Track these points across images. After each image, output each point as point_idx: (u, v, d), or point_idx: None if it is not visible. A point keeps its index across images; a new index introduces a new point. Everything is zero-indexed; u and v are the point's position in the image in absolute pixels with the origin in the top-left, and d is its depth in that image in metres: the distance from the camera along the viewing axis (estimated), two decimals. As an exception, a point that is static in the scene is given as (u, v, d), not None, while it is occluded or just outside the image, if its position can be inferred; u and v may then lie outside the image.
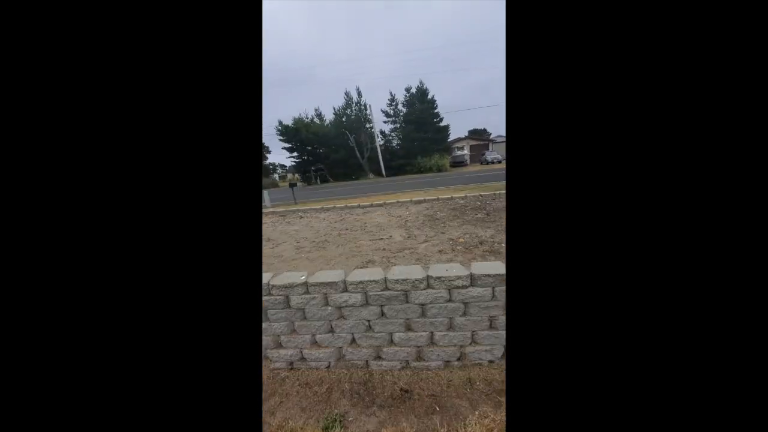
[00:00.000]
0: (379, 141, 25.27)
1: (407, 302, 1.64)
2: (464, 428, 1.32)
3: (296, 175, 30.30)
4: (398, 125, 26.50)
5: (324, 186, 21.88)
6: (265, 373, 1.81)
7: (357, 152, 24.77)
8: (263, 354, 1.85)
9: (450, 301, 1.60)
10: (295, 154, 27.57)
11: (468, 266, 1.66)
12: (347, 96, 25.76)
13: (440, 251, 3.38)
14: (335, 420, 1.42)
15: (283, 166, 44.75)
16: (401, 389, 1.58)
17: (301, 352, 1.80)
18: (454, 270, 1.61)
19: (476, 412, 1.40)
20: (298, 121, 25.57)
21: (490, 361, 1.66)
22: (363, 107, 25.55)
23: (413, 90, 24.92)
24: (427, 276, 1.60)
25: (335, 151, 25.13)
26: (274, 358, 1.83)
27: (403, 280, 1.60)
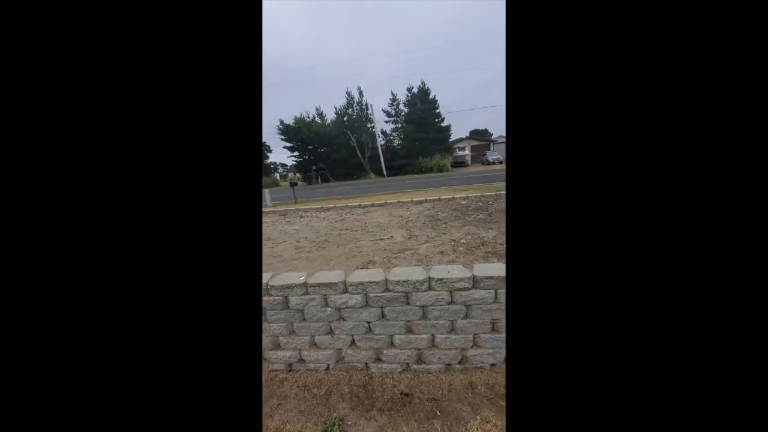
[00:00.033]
0: (381, 141, 25.27)
1: (408, 304, 1.61)
2: (466, 434, 1.29)
3: (297, 175, 30.34)
4: (400, 125, 26.49)
5: (325, 185, 21.91)
6: (264, 375, 1.78)
7: (358, 152, 24.77)
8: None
9: (452, 303, 1.58)
10: (296, 153, 27.60)
11: (470, 268, 1.63)
12: (348, 95, 25.83)
13: (442, 252, 3.35)
14: (334, 424, 1.40)
15: (284, 165, 44.82)
16: (401, 393, 1.56)
17: (300, 353, 1.78)
18: (456, 272, 1.59)
19: (478, 417, 1.37)
20: (299, 121, 25.60)
21: (492, 365, 1.63)
22: (364, 107, 25.57)
23: (415, 90, 24.92)
24: (429, 277, 1.57)
25: (336, 151, 25.14)
26: (273, 359, 1.81)
27: (404, 281, 1.57)
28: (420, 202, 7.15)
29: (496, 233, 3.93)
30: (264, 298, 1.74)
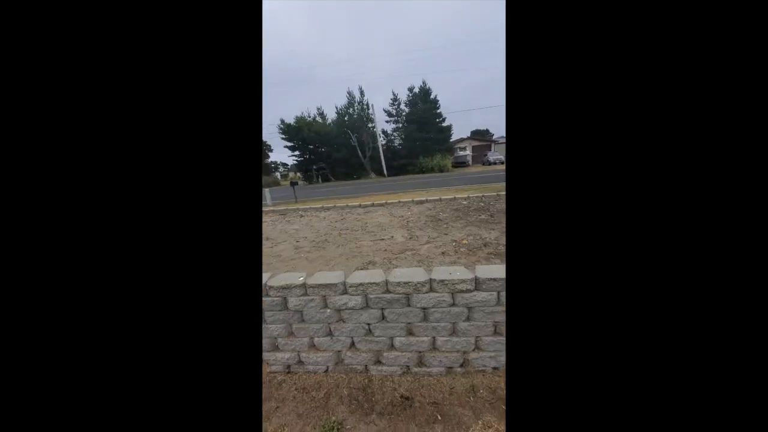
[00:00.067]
0: (381, 140, 25.24)
1: (409, 306, 1.59)
2: (467, 439, 1.26)
3: (298, 174, 30.33)
4: (401, 125, 26.44)
5: (325, 185, 21.91)
6: (262, 377, 1.76)
7: (359, 151, 24.74)
8: (260, 357, 1.81)
9: (453, 305, 1.55)
10: (296, 152, 27.56)
11: (472, 269, 1.60)
12: (349, 95, 25.78)
13: (443, 253, 3.32)
14: (333, 428, 1.37)
15: (284, 165, 44.75)
16: (402, 396, 1.53)
17: (299, 355, 1.75)
18: (458, 273, 1.56)
19: (479, 422, 1.34)
20: (300, 120, 25.56)
21: (495, 368, 1.61)
22: (365, 106, 25.54)
23: (416, 90, 24.88)
24: (430, 279, 1.54)
25: (337, 150, 25.09)
26: (271, 361, 1.78)
27: (405, 282, 1.55)
28: (421, 202, 7.13)
29: (498, 234, 3.90)
30: (262, 299, 1.71)
